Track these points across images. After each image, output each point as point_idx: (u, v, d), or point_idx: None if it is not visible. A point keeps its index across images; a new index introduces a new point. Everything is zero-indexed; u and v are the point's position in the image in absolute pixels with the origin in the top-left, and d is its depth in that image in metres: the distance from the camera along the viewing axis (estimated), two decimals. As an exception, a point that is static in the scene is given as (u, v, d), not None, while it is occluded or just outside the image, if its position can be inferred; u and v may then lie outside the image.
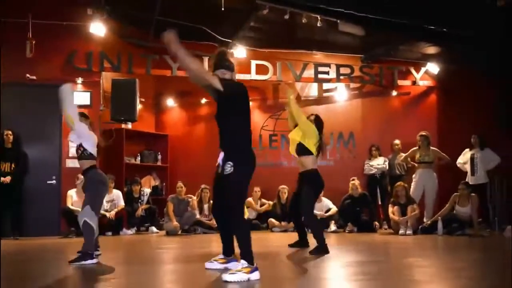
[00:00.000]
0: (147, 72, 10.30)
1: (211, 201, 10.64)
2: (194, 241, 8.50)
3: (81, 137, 5.84)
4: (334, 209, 10.29)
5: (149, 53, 10.55)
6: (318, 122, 6.90)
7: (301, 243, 6.97)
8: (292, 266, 5.49)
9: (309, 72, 11.07)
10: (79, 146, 5.89)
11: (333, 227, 9.98)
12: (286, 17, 9.11)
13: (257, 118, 11.88)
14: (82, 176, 6.05)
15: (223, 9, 6.77)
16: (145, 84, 11.38)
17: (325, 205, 10.42)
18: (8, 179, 9.08)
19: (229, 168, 4.33)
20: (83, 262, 5.49)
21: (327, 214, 10.23)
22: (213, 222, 10.03)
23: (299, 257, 6.06)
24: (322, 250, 6.27)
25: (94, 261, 5.57)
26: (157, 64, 10.59)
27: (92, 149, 5.89)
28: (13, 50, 9.42)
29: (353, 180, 10.12)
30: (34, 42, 9.21)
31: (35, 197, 9.51)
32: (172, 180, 11.35)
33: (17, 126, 9.52)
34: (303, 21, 9.27)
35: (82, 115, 6.11)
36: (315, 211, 10.11)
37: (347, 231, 9.85)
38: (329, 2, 8.24)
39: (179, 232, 9.86)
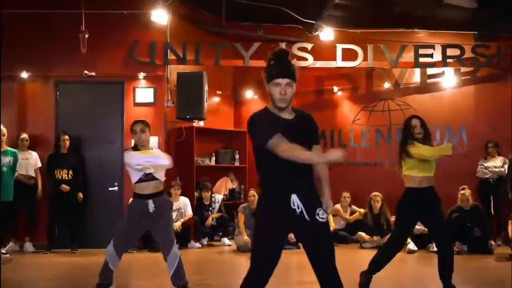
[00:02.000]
0: (216, 63, 9.03)
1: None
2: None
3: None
4: (438, 222, 8.47)
5: (219, 41, 9.30)
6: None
7: None
8: None
9: (408, 56, 9.23)
10: None
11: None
12: (374, -9, 7.41)
13: (347, 110, 10.29)
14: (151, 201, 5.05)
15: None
16: (222, 74, 10.21)
17: (427, 216, 8.62)
18: (67, 187, 8.31)
19: (323, 215, 3.33)
20: None
21: (429, 228, 8.43)
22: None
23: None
24: None
25: None
26: (228, 54, 9.32)
27: None
28: (67, 44, 8.55)
29: (463, 189, 8.23)
30: (87, 36, 8.23)
31: (95, 206, 8.69)
32: (251, 182, 10.07)
33: (74, 128, 8.71)
34: (394, -5, 7.52)
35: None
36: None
37: (455, 252, 8.01)
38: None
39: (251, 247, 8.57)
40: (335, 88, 10.25)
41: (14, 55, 8.43)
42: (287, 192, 3.25)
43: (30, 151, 8.59)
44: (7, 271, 6.45)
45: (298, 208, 3.24)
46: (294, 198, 3.25)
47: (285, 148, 3.13)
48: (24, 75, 8.67)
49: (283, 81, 3.24)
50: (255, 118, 3.30)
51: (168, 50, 8.90)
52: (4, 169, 7.81)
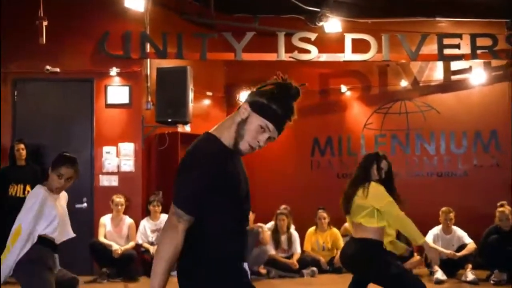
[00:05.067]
0: (201, 56, 7.66)
1: (292, 231, 7.91)
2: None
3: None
4: (471, 245, 7.02)
5: (205, 31, 7.98)
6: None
7: None
8: None
9: (431, 48, 7.85)
10: None
11: (470, 275, 6.72)
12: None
13: (357, 113, 8.88)
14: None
15: None
16: (213, 73, 8.85)
17: (456, 238, 7.18)
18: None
19: None
20: None
21: (460, 253, 6.98)
22: (293, 261, 7.26)
23: None
24: None
25: None
26: (216, 46, 7.95)
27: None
28: (25, 34, 7.20)
29: (501, 206, 6.80)
30: (46, 24, 6.86)
31: (59, 226, 7.27)
32: (255, 192, 8.64)
33: (35, 135, 7.33)
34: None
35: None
36: (439, 247, 6.99)
37: (493, 282, 6.57)
38: None
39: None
40: (343, 88, 8.82)
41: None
42: None
43: None
44: None
45: None
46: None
47: (171, 241, 2.29)
48: (-26, 72, 7.33)
49: (273, 133, 2.38)
50: (202, 155, 2.33)
51: (146, 42, 7.53)
52: None
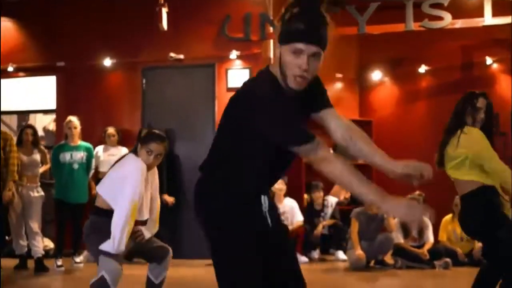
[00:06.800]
0: (322, 33, 7.26)
1: (424, 218, 7.15)
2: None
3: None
4: None
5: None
6: None
7: None
8: None
9: None
10: None
11: None
12: None
13: (506, 88, 7.83)
14: None
15: None
16: (344, 54, 8.39)
17: None
18: (171, 199, 7.14)
19: None
20: None
21: None
22: (423, 251, 6.58)
23: None
24: None
25: None
26: (341, 22, 7.48)
27: None
28: (150, 24, 7.41)
29: None
30: (166, 11, 7.01)
31: (185, 212, 7.38)
32: (380, 182, 8.05)
33: (162, 121, 7.49)
34: None
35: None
36: None
37: None
38: None
39: (371, 264, 6.64)
40: (488, 60, 7.84)
41: (92, 41, 7.57)
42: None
43: (119, 147, 7.59)
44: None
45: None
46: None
47: (333, 165, 2.10)
48: (107, 62, 7.73)
49: (308, 48, 2.05)
50: (265, 99, 2.09)
51: (265, 23, 7.35)
52: (76, 166, 6.83)
